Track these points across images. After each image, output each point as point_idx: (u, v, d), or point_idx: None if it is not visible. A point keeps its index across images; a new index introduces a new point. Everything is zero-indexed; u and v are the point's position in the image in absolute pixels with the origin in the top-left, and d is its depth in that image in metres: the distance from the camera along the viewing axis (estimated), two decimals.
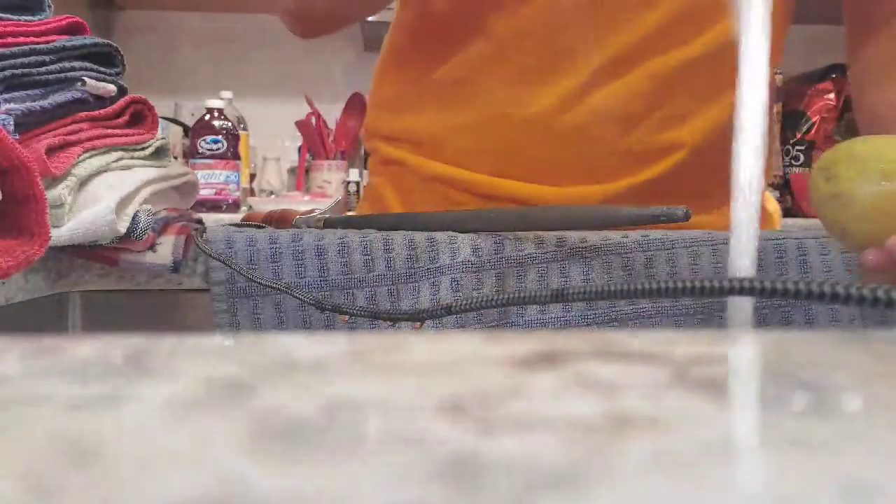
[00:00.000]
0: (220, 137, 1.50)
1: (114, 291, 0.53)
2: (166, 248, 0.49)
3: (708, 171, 0.64)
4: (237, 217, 0.73)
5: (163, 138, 0.54)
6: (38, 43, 0.45)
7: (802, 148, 1.64)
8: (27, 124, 0.43)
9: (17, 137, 0.41)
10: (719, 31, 0.60)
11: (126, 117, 0.51)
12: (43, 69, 0.45)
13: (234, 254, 0.49)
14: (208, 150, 1.49)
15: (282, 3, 0.70)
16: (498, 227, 0.52)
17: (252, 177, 1.92)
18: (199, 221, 0.54)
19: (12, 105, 0.42)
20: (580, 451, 0.10)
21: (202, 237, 0.50)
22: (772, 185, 1.58)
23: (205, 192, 1.48)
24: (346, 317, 0.50)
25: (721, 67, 0.62)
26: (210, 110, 1.52)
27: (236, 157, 1.53)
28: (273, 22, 2.26)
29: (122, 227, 0.45)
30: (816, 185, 0.41)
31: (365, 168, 1.94)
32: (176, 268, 0.49)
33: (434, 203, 0.66)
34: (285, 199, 1.62)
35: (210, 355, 0.15)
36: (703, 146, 0.62)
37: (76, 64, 0.47)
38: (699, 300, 0.53)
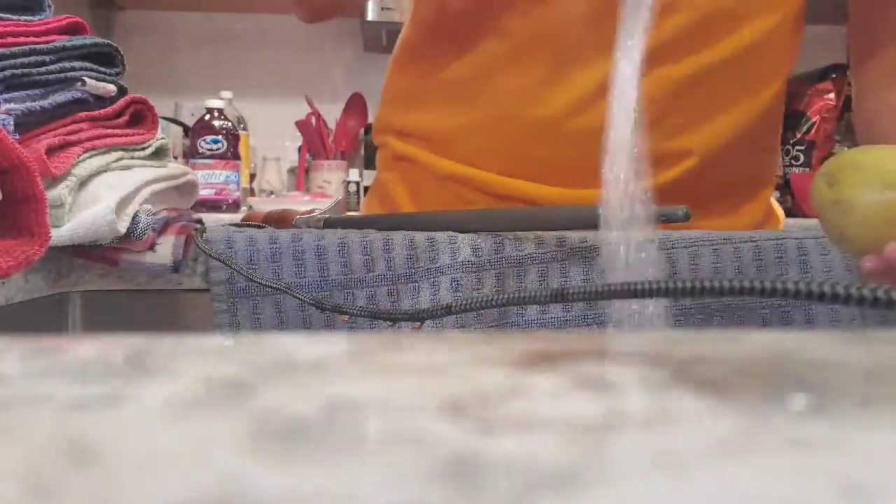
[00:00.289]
0: (220, 137, 1.50)
1: (114, 291, 0.53)
2: (166, 248, 0.49)
3: (718, 179, 0.64)
4: (237, 217, 0.73)
5: (163, 138, 0.54)
6: (38, 43, 0.45)
7: (802, 148, 1.64)
8: (27, 124, 0.43)
9: (17, 137, 0.41)
10: (733, 40, 0.61)
11: (126, 117, 0.51)
12: (43, 69, 0.45)
13: (234, 254, 0.49)
14: (208, 150, 1.49)
15: None
16: (498, 227, 0.52)
17: (252, 177, 1.92)
18: (199, 221, 0.54)
19: (12, 105, 0.42)
20: (580, 451, 0.10)
21: (202, 237, 0.50)
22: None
23: (205, 192, 1.48)
24: (346, 317, 0.50)
25: (734, 77, 0.62)
26: (210, 110, 1.52)
27: (236, 157, 1.53)
28: (273, 22, 2.27)
29: (122, 227, 0.45)
30: (819, 190, 0.42)
31: (365, 168, 1.94)
32: (176, 268, 0.49)
33: (445, 201, 0.66)
34: (285, 199, 1.62)
35: (210, 355, 0.15)
36: (714, 154, 0.62)
37: (76, 64, 0.47)
38: (699, 300, 0.53)
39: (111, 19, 2.04)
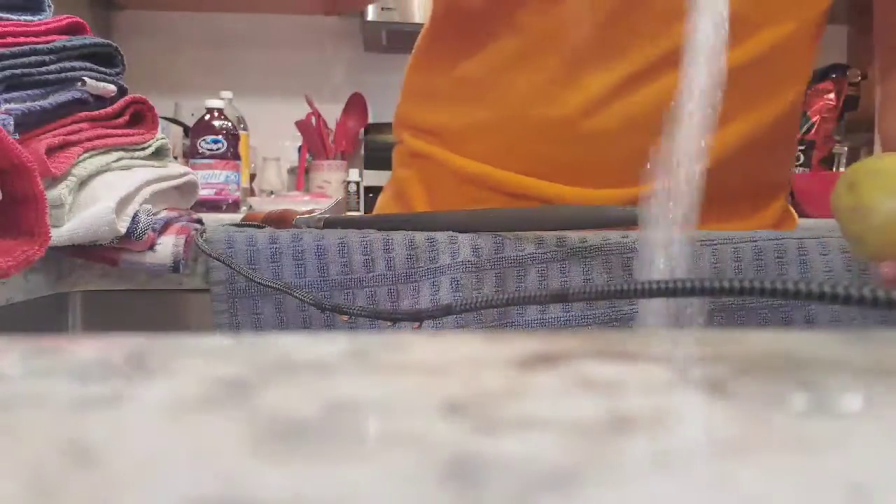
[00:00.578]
0: (220, 137, 1.50)
1: (114, 291, 0.53)
2: (166, 248, 0.49)
3: (734, 183, 0.64)
4: (237, 217, 0.73)
5: (163, 138, 0.54)
6: (38, 43, 0.45)
7: (802, 148, 1.64)
8: (27, 124, 0.43)
9: (17, 137, 0.41)
10: (748, 47, 0.60)
11: (126, 117, 0.51)
12: (43, 69, 0.45)
13: (234, 254, 0.49)
14: (208, 150, 1.49)
15: None
16: (498, 227, 0.52)
17: (252, 177, 1.92)
18: (199, 221, 0.54)
19: (12, 105, 0.42)
20: (580, 451, 0.10)
21: (202, 237, 0.50)
22: None
23: (205, 192, 1.48)
24: (346, 317, 0.50)
25: (750, 82, 0.62)
26: (210, 110, 1.52)
27: (236, 157, 1.53)
28: (273, 22, 2.27)
29: (122, 227, 0.45)
30: (839, 194, 0.43)
31: (365, 168, 1.94)
32: (176, 268, 0.49)
33: (460, 198, 0.66)
34: (285, 199, 1.62)
35: (210, 355, 0.15)
36: (729, 158, 0.62)
37: (76, 64, 0.47)
38: (699, 300, 0.53)
39: (111, 19, 2.04)
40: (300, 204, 1.52)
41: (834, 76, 1.61)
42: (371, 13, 1.82)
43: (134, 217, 0.46)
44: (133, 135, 0.51)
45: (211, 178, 1.48)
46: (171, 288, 0.53)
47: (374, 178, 1.91)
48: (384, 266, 0.50)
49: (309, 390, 0.13)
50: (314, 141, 1.92)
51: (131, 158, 0.50)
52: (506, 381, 0.13)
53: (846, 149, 1.68)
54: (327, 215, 0.59)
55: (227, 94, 1.77)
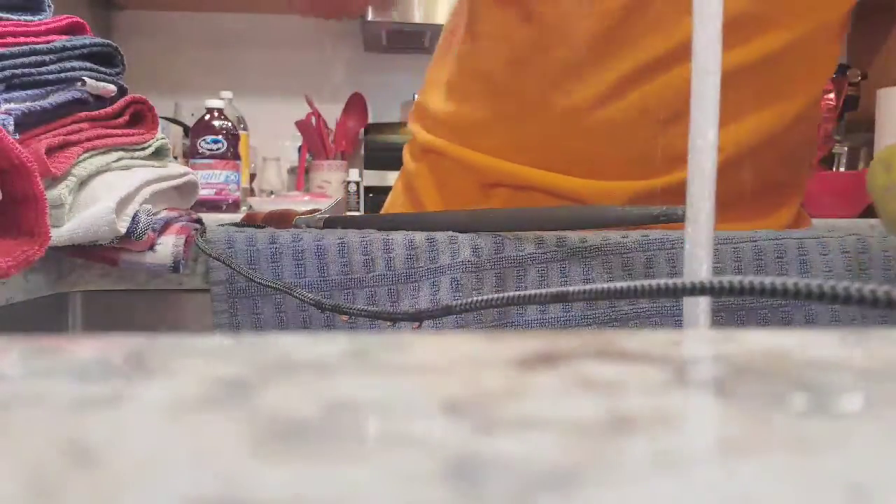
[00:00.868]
0: (220, 137, 1.50)
1: (114, 291, 0.53)
2: (166, 248, 0.49)
3: (743, 182, 0.63)
4: (237, 217, 0.73)
5: (163, 138, 0.54)
6: (38, 43, 0.45)
7: None
8: (27, 124, 0.43)
9: (17, 137, 0.41)
10: (763, 42, 0.60)
11: (126, 117, 0.51)
12: (43, 69, 0.45)
13: (234, 254, 0.49)
14: (208, 150, 1.49)
15: None
16: (498, 227, 0.52)
17: (252, 177, 1.92)
18: (199, 221, 0.54)
19: (12, 105, 0.42)
20: (580, 451, 0.10)
21: (202, 237, 0.50)
22: None
23: (205, 192, 1.48)
24: (346, 317, 0.50)
25: (762, 79, 0.62)
26: (210, 110, 1.52)
27: (236, 157, 1.53)
28: (273, 22, 2.27)
29: (122, 227, 0.45)
30: (875, 174, 0.43)
31: (365, 168, 1.94)
32: (176, 268, 0.49)
33: (468, 192, 0.66)
34: (285, 199, 1.62)
35: (210, 355, 0.15)
36: (739, 155, 0.61)
37: (76, 64, 0.47)
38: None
39: (111, 19, 2.04)
40: (300, 204, 1.52)
41: (834, 76, 1.61)
42: (371, 13, 1.82)
43: (134, 217, 0.46)
44: (133, 135, 0.51)
45: (211, 178, 1.48)
46: (171, 288, 0.53)
47: (374, 178, 1.92)
48: (384, 266, 0.50)
49: (309, 390, 0.13)
50: (314, 141, 1.92)
51: (131, 158, 0.50)
52: (506, 380, 0.13)
53: (846, 149, 1.68)
54: (327, 215, 0.59)
55: (227, 94, 1.77)
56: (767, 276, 0.53)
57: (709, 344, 0.17)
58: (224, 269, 0.49)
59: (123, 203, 0.46)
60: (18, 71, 0.44)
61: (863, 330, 0.17)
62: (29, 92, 0.44)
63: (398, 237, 0.51)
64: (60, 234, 0.43)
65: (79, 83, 0.47)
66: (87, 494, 0.09)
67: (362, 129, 2.00)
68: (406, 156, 0.76)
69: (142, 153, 0.51)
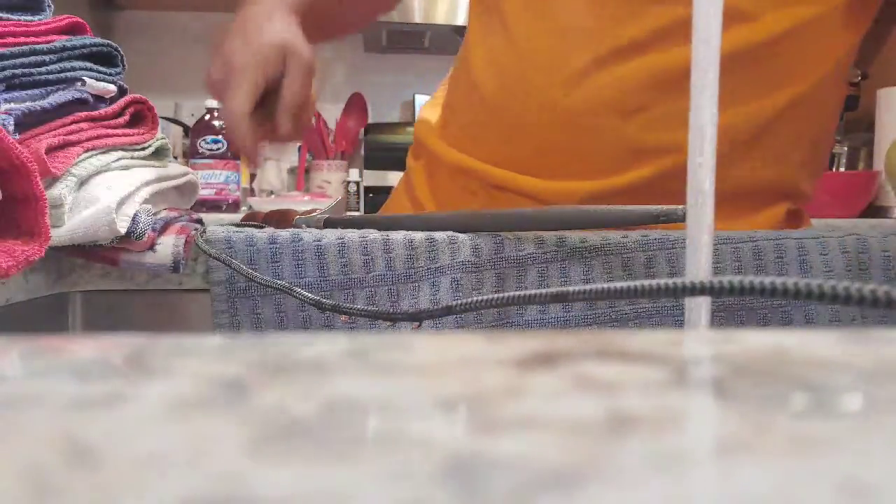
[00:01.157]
0: (220, 137, 1.50)
1: (114, 291, 0.53)
2: (166, 248, 0.49)
3: (737, 177, 0.61)
4: (237, 217, 0.73)
5: (163, 138, 0.54)
6: (38, 43, 0.45)
7: None
8: (27, 124, 0.43)
9: (17, 137, 0.41)
10: (728, 39, 0.59)
11: (126, 117, 0.51)
12: (43, 69, 0.45)
13: (234, 254, 0.49)
14: (208, 150, 1.49)
15: None
16: (498, 227, 0.52)
17: (252, 177, 1.92)
18: (199, 221, 0.54)
19: (12, 105, 0.42)
20: (580, 451, 0.10)
21: (202, 237, 0.50)
22: None
23: (205, 192, 1.48)
24: (346, 317, 0.50)
25: (726, 77, 0.61)
26: (210, 110, 1.52)
27: (236, 157, 1.53)
28: None
29: (122, 227, 0.45)
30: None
31: (365, 168, 1.94)
32: (176, 268, 0.49)
33: (455, 190, 0.67)
34: (285, 199, 1.62)
35: (210, 355, 0.15)
36: (731, 149, 0.58)
37: (76, 64, 0.47)
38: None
39: (111, 19, 2.04)
40: (300, 204, 1.52)
41: None
42: None
43: (134, 217, 0.46)
44: (133, 135, 0.51)
45: (211, 178, 1.48)
46: (171, 288, 0.53)
47: (374, 178, 1.92)
48: (384, 266, 0.50)
49: (308, 390, 0.13)
50: (314, 141, 1.92)
51: (131, 158, 0.50)
52: (505, 380, 0.13)
53: (846, 149, 1.68)
54: (327, 215, 0.59)
55: None
56: (767, 276, 0.53)
57: (709, 344, 0.17)
58: (224, 269, 0.49)
59: (123, 203, 0.46)
60: (18, 71, 0.44)
61: (863, 330, 0.17)
62: (29, 92, 0.44)
63: (398, 237, 0.51)
64: (60, 234, 0.43)
65: (79, 83, 0.47)
66: (87, 494, 0.09)
67: (362, 129, 2.01)
68: (411, 153, 0.77)
69: (142, 153, 0.51)
